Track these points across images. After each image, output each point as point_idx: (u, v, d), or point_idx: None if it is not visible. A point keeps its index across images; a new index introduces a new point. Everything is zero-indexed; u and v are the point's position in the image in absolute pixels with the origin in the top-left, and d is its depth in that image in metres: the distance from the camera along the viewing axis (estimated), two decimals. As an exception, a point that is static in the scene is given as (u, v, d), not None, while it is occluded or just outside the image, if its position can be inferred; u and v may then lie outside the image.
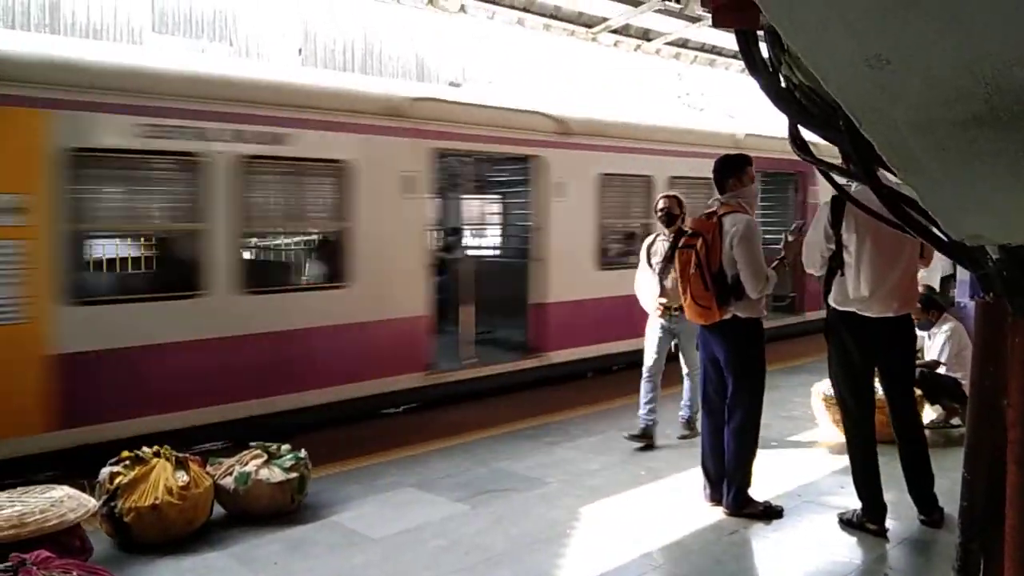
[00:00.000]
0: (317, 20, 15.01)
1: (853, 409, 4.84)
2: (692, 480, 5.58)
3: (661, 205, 6.66)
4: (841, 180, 3.53)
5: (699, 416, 5.87)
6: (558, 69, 16.68)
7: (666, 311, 6.58)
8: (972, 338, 3.66)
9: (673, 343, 6.74)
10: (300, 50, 14.89)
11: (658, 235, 6.78)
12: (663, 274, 6.53)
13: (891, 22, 1.09)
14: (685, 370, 6.86)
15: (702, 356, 5.33)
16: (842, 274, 4.74)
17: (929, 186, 1.48)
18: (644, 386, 6.66)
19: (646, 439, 6.58)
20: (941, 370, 6.89)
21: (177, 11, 13.73)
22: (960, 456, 2.02)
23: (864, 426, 4.82)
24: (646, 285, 6.76)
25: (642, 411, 6.63)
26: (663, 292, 6.55)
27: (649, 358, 6.69)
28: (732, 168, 5.16)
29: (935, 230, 1.90)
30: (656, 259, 6.64)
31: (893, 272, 4.66)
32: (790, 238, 5.28)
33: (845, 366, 4.83)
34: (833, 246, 4.76)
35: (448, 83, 12.08)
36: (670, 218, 6.59)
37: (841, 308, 4.79)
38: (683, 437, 6.82)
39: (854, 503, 4.89)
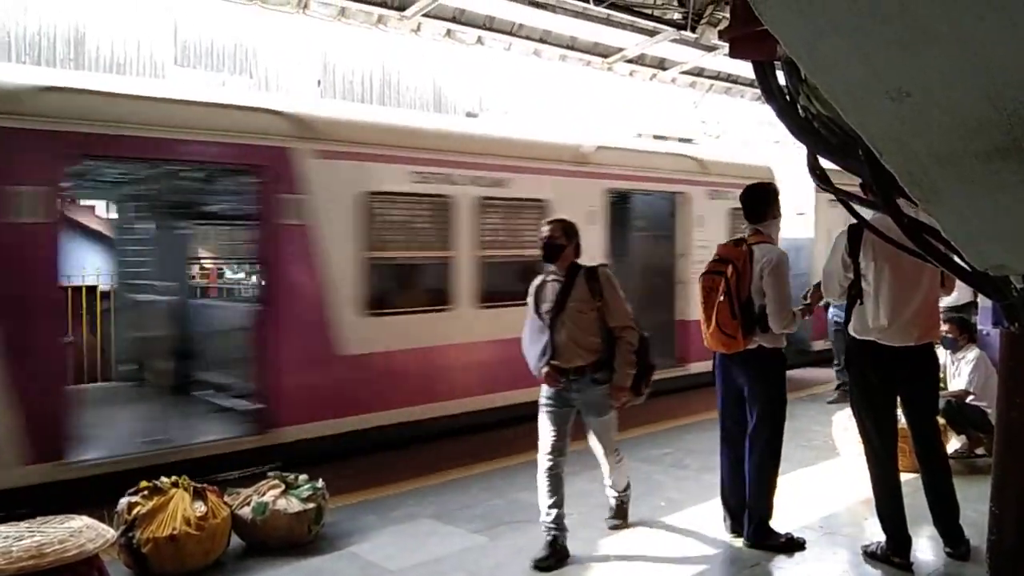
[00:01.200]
0: (335, 52, 15.22)
1: (875, 440, 4.77)
2: (712, 512, 5.51)
3: (543, 232, 5.13)
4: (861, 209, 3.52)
5: (629, 500, 5.56)
6: (575, 98, 16.80)
7: (559, 375, 5.00)
8: (996, 366, 3.61)
9: (573, 417, 5.17)
10: (319, 81, 15.10)
11: (548, 276, 5.17)
12: (554, 326, 4.99)
13: (911, 56, 1.09)
14: (599, 451, 5.37)
15: (720, 386, 5.27)
16: (861, 303, 4.71)
17: (951, 216, 1.47)
18: (542, 481, 5.05)
19: (556, 556, 4.85)
20: (970, 399, 6.80)
21: (199, 45, 13.99)
22: (986, 487, 1.98)
23: (887, 457, 4.76)
24: (534, 340, 5.11)
25: (545, 516, 4.99)
26: (555, 350, 4.98)
27: (545, 441, 5.09)
28: (767, 198, 5.16)
29: (957, 259, 1.89)
30: (545, 306, 5.07)
31: (913, 301, 4.62)
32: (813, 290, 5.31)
33: (867, 396, 4.78)
34: (851, 275, 4.73)
35: (465, 113, 12.18)
36: (552, 251, 5.05)
37: (861, 337, 4.75)
38: (614, 527, 5.45)
39: (878, 535, 4.81)
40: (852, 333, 4.81)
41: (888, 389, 4.74)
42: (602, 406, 5.11)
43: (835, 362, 9.85)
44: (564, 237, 5.07)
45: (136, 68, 13.26)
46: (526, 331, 5.21)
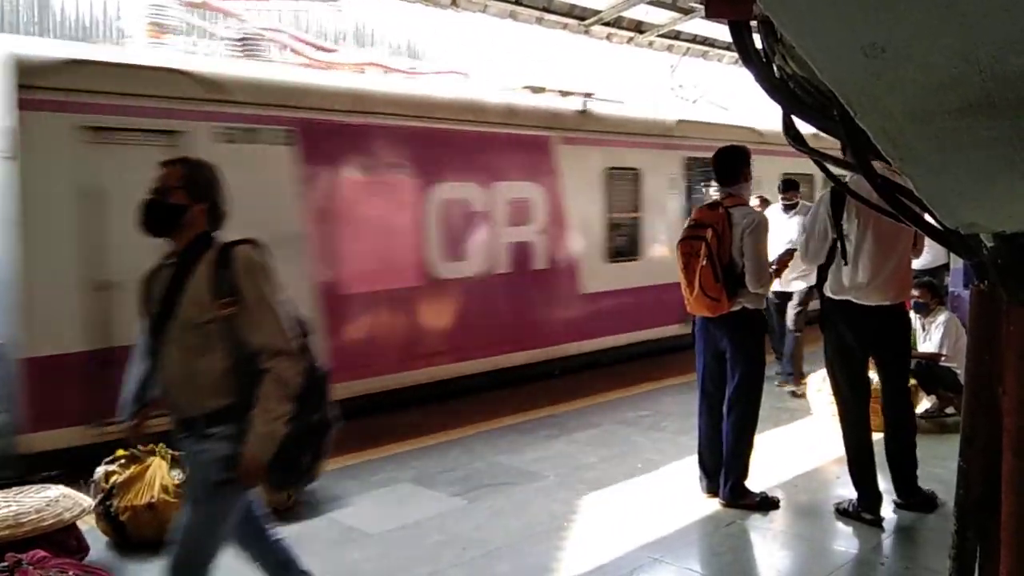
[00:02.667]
0: (307, 14, 14.94)
1: (849, 398, 4.85)
2: (688, 472, 5.58)
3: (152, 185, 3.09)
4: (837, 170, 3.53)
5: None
6: (551, 61, 16.64)
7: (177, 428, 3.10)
8: (966, 327, 3.67)
9: None
10: (291, 45, 14.81)
11: (165, 259, 3.11)
12: (158, 346, 3.02)
13: (886, 10, 1.09)
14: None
15: (701, 348, 5.30)
16: (846, 263, 4.74)
17: (925, 175, 1.48)
18: None
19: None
20: (942, 361, 6.91)
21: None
22: (955, 445, 2.02)
23: (860, 415, 4.84)
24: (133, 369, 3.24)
25: None
26: (160, 388, 3.14)
27: None
28: (741, 160, 5.18)
29: (930, 219, 1.91)
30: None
31: (890, 261, 4.68)
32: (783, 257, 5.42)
33: (842, 355, 4.85)
34: (834, 236, 4.77)
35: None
36: (159, 216, 3.03)
37: (836, 297, 4.81)
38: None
39: (850, 493, 4.90)
40: (828, 293, 4.87)
41: (862, 348, 4.82)
42: (209, 485, 2.95)
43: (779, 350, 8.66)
44: (185, 191, 3.01)
45: (102, 33, 12.94)
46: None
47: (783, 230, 7.84)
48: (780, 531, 4.82)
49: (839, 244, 4.76)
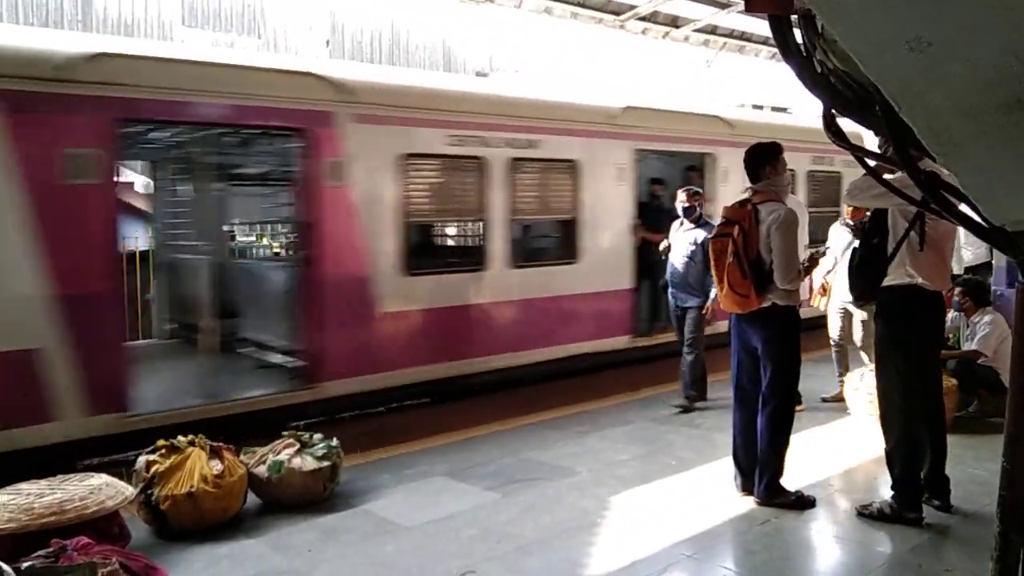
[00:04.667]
0: (344, 11, 15.06)
1: (917, 389, 4.75)
2: (722, 470, 5.55)
3: None
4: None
5: None
6: (586, 57, 16.60)
7: None
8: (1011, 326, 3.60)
9: None
10: (328, 41, 14.97)
11: None
12: None
13: (932, 4, 1.08)
14: None
15: (735, 346, 5.27)
16: (922, 250, 4.65)
17: (970, 171, 1.45)
18: None
19: None
20: (981, 360, 6.79)
21: (207, 5, 13.88)
22: (996, 446, 1.99)
23: (924, 411, 4.78)
24: None
25: None
26: None
27: None
28: (767, 156, 5.11)
29: (974, 215, 1.88)
30: None
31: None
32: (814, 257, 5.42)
33: (915, 343, 4.76)
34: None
35: (475, 73, 12.07)
36: None
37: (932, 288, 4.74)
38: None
39: (886, 493, 4.84)
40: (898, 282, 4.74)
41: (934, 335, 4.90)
42: None
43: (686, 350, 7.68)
44: None
45: (144, 29, 13.17)
46: None
47: None
48: (815, 530, 4.78)
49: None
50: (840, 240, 7.50)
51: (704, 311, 7.45)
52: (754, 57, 17.54)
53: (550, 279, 8.79)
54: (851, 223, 7.49)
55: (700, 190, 7.90)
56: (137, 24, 13.09)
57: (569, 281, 8.93)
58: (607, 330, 9.31)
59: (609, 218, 9.25)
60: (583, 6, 13.93)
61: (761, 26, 14.57)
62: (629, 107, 9.56)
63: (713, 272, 5.19)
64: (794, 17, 2.35)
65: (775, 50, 2.45)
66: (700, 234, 7.24)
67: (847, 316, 7.56)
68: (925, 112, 1.31)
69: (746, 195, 5.17)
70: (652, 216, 9.56)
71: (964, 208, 2.02)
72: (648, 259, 9.38)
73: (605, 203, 9.18)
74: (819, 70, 2.36)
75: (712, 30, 16.20)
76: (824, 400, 7.59)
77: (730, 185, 9.91)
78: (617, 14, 14.37)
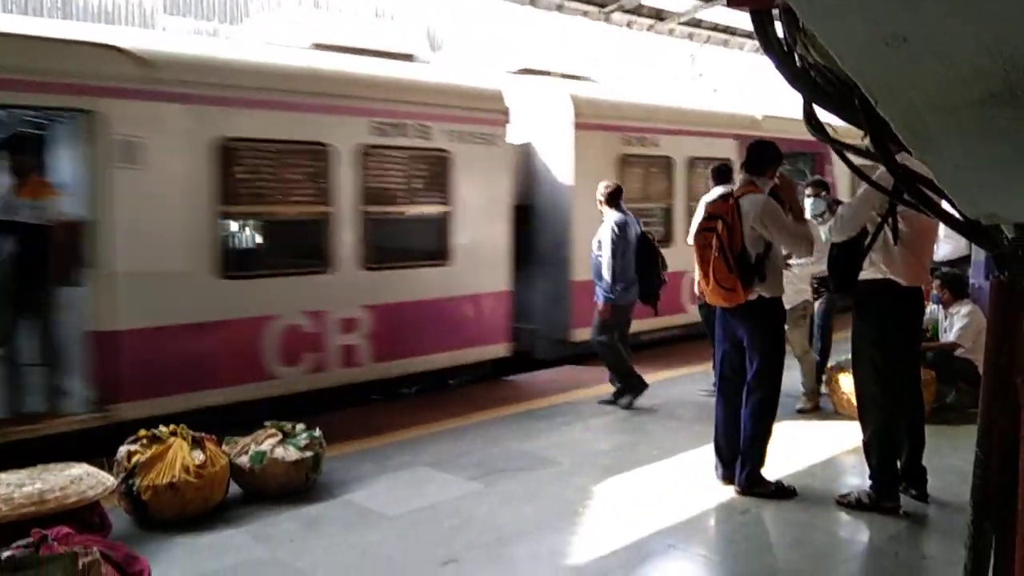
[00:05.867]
0: (326, 1, 14.95)
1: (894, 383, 4.80)
2: (704, 460, 5.60)
3: None
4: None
5: None
6: (574, 49, 16.57)
7: None
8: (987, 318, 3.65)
9: None
10: (311, 31, 14.83)
11: None
12: None
13: (908, 1, 1.09)
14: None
15: (720, 337, 5.33)
16: (896, 245, 4.70)
17: (946, 165, 1.48)
18: None
19: None
20: (958, 352, 6.88)
21: (189, -8, 13.72)
22: (970, 436, 2.03)
23: (900, 401, 4.84)
24: None
25: None
26: None
27: None
28: (772, 159, 5.22)
29: (950, 209, 1.91)
30: None
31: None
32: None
33: (892, 334, 4.82)
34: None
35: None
36: None
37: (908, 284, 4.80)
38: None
39: (864, 483, 4.90)
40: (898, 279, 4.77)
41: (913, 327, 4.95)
42: None
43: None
44: None
45: (124, 17, 13.02)
46: None
47: None
48: (795, 520, 4.83)
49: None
50: None
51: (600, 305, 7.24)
52: (739, 50, 17.61)
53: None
54: None
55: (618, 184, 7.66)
56: (119, 11, 12.95)
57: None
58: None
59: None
60: (568, -2, 13.92)
61: (744, 19, 14.63)
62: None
63: (697, 267, 5.21)
64: (776, 11, 2.37)
65: (758, 44, 2.46)
66: (610, 221, 7.19)
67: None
68: (902, 107, 1.33)
69: (729, 189, 5.22)
70: None
71: (944, 204, 2.05)
72: None
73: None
74: (799, 64, 2.38)
75: (696, 23, 16.24)
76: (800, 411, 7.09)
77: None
78: (602, 6, 14.38)
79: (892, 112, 1.37)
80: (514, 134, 8.84)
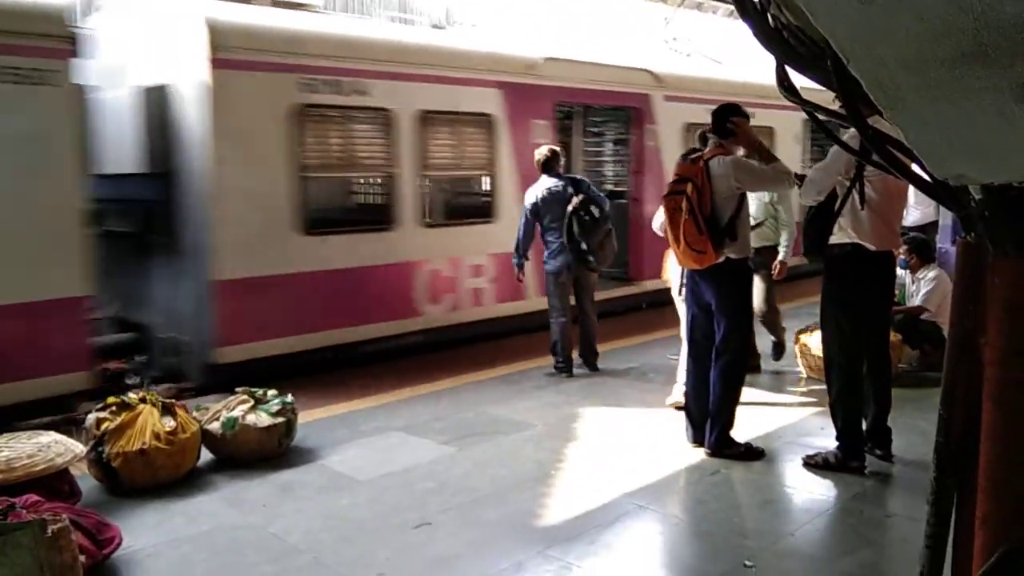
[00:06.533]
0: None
1: (853, 344, 4.86)
2: (675, 423, 5.67)
3: None
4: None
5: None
6: (543, 12, 16.37)
7: None
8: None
9: None
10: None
11: None
12: None
13: (881, -45, 1.08)
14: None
15: (689, 300, 5.36)
16: (862, 208, 4.73)
17: (916, 125, 1.48)
18: None
19: None
20: (925, 315, 6.99)
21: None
22: (934, 399, 2.06)
23: (861, 363, 4.90)
24: None
25: None
26: None
27: None
28: (737, 114, 5.18)
29: (920, 171, 1.91)
30: None
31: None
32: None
33: (856, 297, 4.86)
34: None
35: (431, 25, 11.85)
36: None
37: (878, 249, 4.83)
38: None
39: (831, 444, 4.99)
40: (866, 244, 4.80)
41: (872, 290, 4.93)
42: None
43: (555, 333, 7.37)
44: None
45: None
46: None
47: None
48: (764, 481, 4.91)
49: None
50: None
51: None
52: (712, 15, 17.52)
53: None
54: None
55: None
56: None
57: None
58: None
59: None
60: (541, -42, 13.71)
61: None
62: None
63: (668, 230, 5.20)
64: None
65: (732, 7, 2.44)
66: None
67: None
68: (873, 65, 1.33)
69: (698, 152, 5.21)
70: None
71: (913, 166, 2.06)
72: None
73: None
74: (773, 25, 2.36)
75: (670, -14, 16.11)
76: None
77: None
78: (576, -33, 14.19)
79: (863, 70, 1.36)
80: (136, 72, 7.15)
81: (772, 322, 7.28)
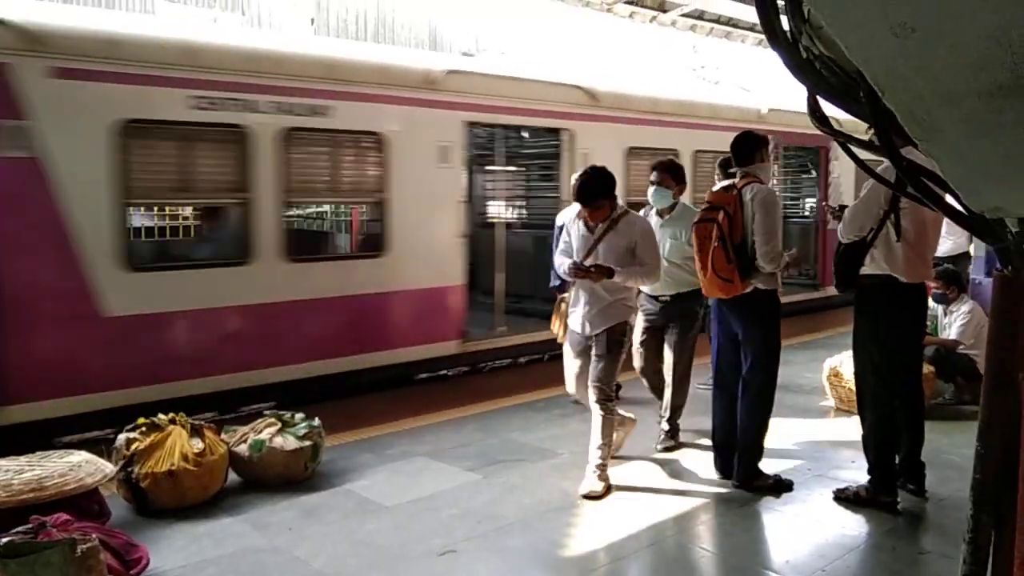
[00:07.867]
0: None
1: (895, 377, 4.80)
2: (702, 453, 5.61)
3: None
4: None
5: None
6: (573, 40, 16.53)
7: None
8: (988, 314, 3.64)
9: None
10: (312, 20, 14.80)
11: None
12: None
13: (917, -11, 1.08)
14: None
15: (716, 331, 5.32)
16: (899, 241, 4.68)
17: (951, 157, 1.47)
18: None
19: None
20: (960, 349, 6.88)
21: (189, -20, 13.60)
22: (971, 433, 2.02)
23: (899, 395, 4.84)
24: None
25: None
26: None
27: None
28: (756, 144, 5.15)
29: (954, 203, 1.89)
30: None
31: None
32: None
33: (912, 332, 4.85)
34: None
35: (461, 54, 12.00)
36: None
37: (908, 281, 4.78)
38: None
39: (862, 477, 4.90)
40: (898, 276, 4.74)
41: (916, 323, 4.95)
42: None
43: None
44: None
45: (124, 3, 12.97)
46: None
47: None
48: (792, 514, 4.84)
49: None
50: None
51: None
52: (740, 43, 17.56)
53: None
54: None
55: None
56: (119, -2, 12.88)
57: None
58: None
59: None
60: (570, -11, 13.88)
61: (746, 12, 14.58)
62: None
63: (696, 258, 5.17)
64: (781, 3, 2.36)
65: (761, 36, 2.45)
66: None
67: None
68: (908, 98, 1.32)
69: (732, 180, 5.19)
70: None
71: (948, 198, 2.04)
72: None
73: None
74: (804, 56, 2.36)
75: (699, 15, 16.19)
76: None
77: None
78: (605, -3, 14.34)
79: (898, 103, 1.36)
80: None
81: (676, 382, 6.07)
